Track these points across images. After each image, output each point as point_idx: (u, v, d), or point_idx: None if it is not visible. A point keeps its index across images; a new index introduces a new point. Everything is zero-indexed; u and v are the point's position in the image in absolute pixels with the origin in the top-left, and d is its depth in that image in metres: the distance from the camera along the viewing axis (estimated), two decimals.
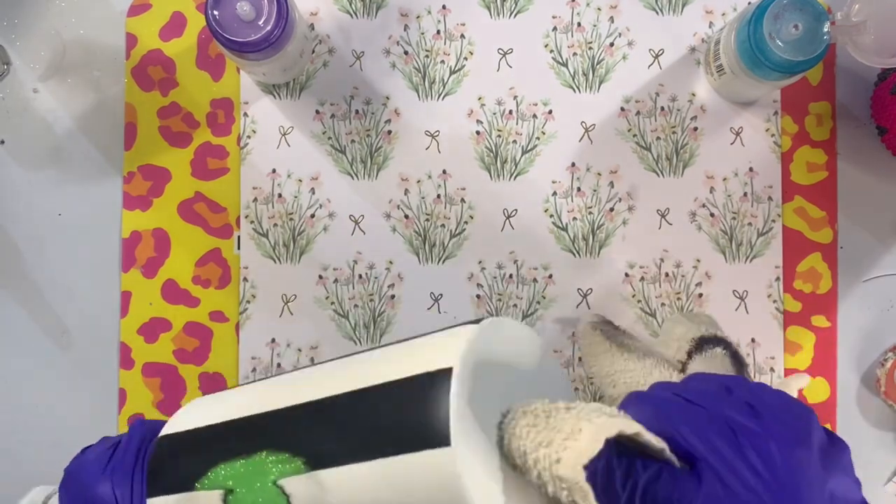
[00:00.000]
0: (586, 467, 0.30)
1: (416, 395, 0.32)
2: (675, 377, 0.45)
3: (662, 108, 0.61)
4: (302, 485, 0.34)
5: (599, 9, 0.61)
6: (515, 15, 0.61)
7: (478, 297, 0.60)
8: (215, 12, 0.51)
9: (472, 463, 0.31)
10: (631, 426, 0.30)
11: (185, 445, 0.39)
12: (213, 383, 0.60)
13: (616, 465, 0.30)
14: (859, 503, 0.32)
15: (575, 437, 0.30)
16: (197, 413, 0.40)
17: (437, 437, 0.31)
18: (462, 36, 0.61)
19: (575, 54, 0.61)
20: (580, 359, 0.60)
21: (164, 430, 0.40)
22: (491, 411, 0.34)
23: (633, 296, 0.60)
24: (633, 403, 0.33)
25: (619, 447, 0.31)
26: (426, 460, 0.31)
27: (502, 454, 0.33)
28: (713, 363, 0.45)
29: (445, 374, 0.32)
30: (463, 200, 0.60)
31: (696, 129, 0.60)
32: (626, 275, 0.60)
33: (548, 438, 0.31)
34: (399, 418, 0.32)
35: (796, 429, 0.31)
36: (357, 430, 0.33)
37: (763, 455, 0.29)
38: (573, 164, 0.60)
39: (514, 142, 0.60)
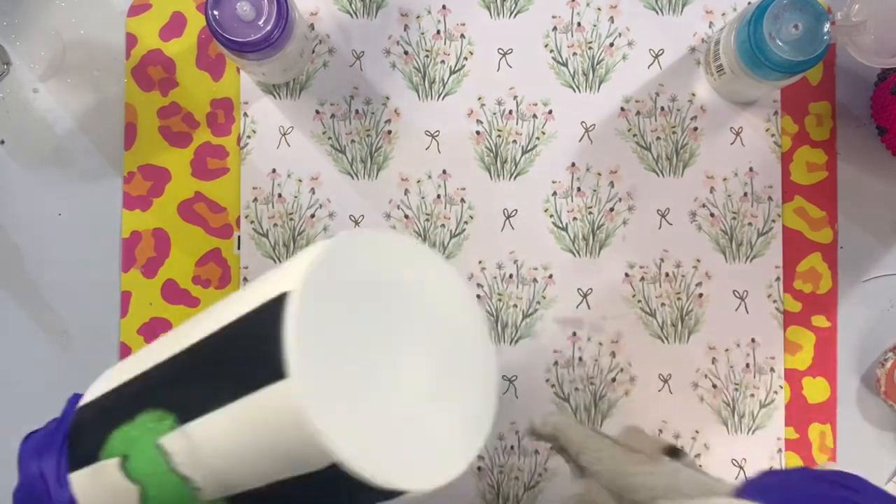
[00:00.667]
0: None
1: (256, 328, 0.29)
2: (652, 466, 0.44)
3: (662, 108, 0.61)
4: (177, 441, 0.32)
5: (599, 9, 0.61)
6: (515, 15, 0.61)
7: (478, 296, 0.60)
8: (215, 12, 0.51)
9: (319, 392, 0.28)
10: None
11: (90, 415, 0.37)
12: None
13: None
14: None
15: None
16: (105, 381, 0.38)
17: (274, 370, 0.28)
18: (462, 36, 0.61)
19: (575, 54, 0.61)
20: (580, 358, 0.60)
21: (81, 402, 0.39)
22: (355, 331, 0.30)
23: (633, 296, 0.60)
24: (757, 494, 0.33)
25: None
26: (268, 397, 0.28)
27: None
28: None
29: (284, 299, 0.29)
30: (463, 200, 0.60)
31: (696, 129, 0.60)
32: (626, 275, 0.60)
33: None
34: (242, 356, 0.30)
35: None
36: (212, 375, 0.31)
37: None
38: (573, 164, 0.60)
39: (514, 142, 0.60)
